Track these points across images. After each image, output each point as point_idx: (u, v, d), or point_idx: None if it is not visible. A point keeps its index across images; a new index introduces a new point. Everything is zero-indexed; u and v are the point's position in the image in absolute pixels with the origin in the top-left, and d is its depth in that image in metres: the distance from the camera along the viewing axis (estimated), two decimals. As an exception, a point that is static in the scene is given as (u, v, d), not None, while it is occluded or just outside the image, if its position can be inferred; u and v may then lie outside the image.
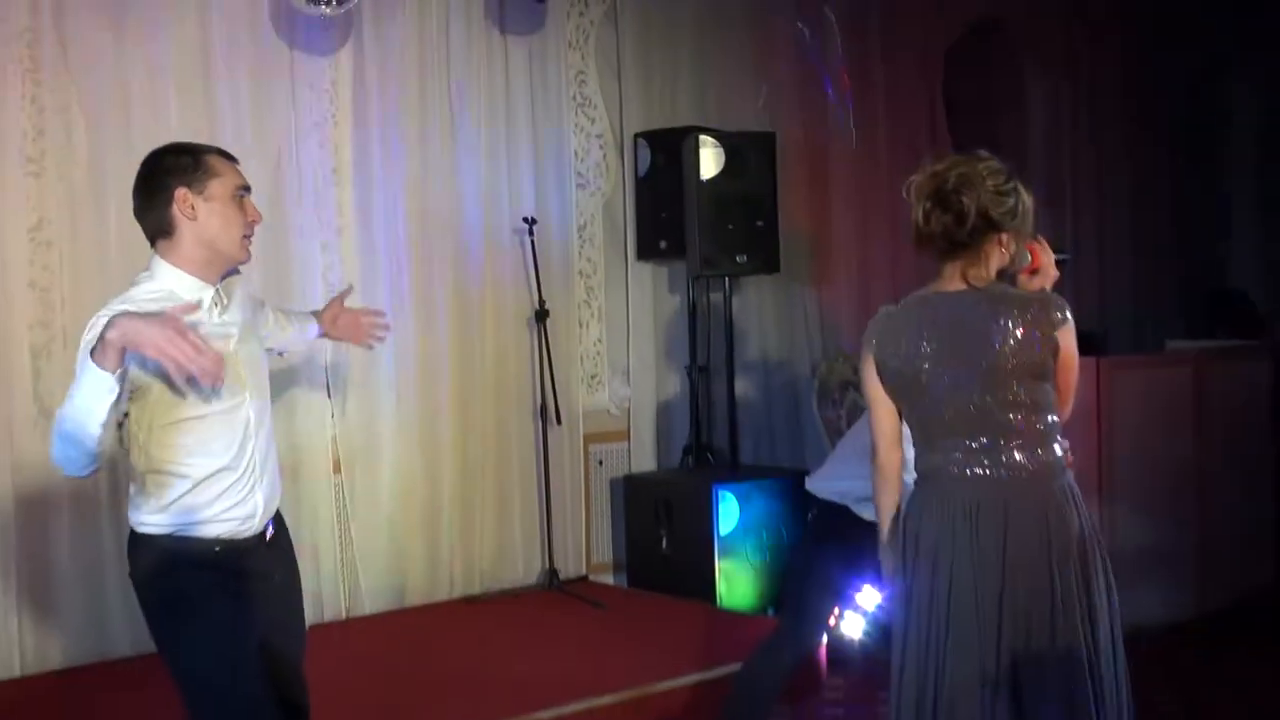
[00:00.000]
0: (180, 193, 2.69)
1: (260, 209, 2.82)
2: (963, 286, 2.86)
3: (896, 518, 2.98)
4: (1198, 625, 5.44)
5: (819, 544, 4.03)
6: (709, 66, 6.43)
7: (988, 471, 2.79)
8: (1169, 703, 4.62)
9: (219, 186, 2.73)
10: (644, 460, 6.25)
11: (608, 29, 6.13)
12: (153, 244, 2.74)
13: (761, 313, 6.65)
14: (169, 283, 2.69)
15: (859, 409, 6.38)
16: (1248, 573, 5.77)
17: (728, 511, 5.60)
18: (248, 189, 2.80)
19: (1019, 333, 2.78)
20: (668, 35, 6.30)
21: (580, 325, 6.09)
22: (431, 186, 5.58)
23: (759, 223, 6.02)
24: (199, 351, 2.40)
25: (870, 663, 5.02)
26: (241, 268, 2.88)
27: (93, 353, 2.40)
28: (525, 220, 5.67)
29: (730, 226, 5.93)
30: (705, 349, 6.29)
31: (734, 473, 5.99)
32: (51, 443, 2.56)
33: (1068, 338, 2.83)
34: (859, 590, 5.29)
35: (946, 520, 2.79)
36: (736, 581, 5.59)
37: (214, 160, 2.75)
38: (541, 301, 5.71)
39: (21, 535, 4.63)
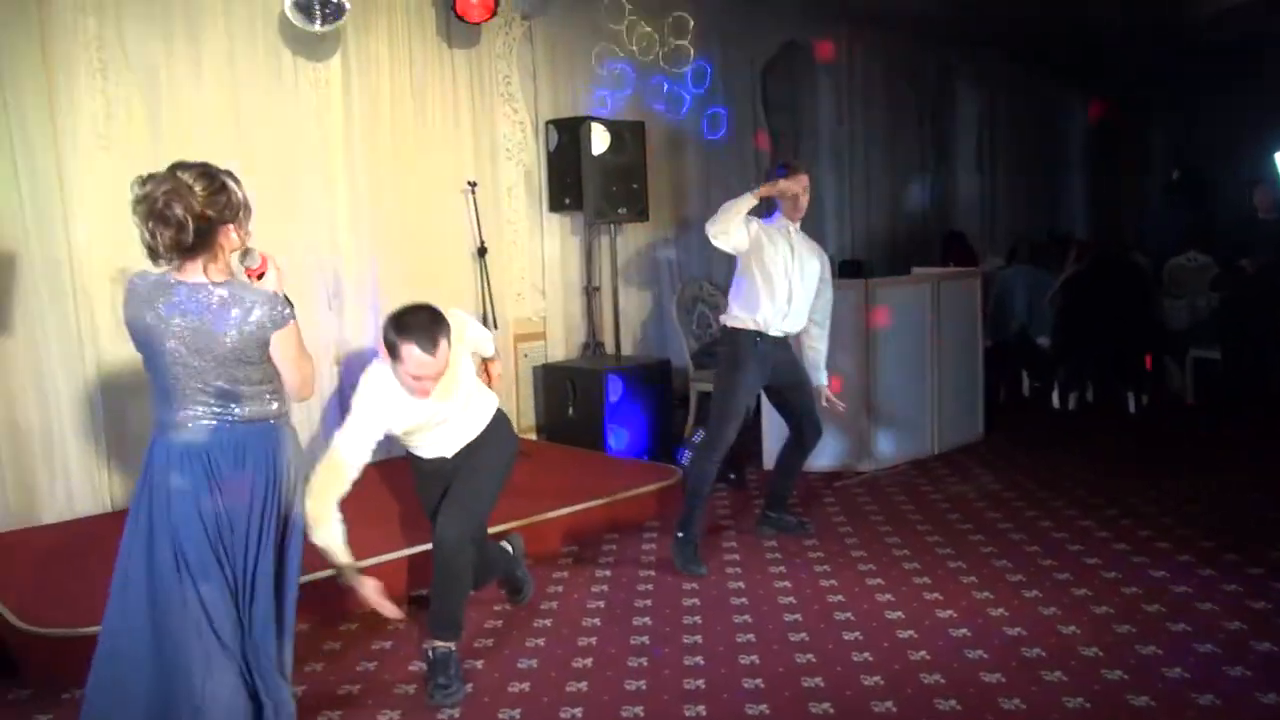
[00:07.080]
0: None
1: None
2: (204, 279, 2.31)
3: None
4: (932, 460, 5.72)
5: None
6: (598, 72, 6.36)
7: None
8: (915, 511, 4.89)
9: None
10: (556, 353, 6.21)
11: (526, 44, 6.02)
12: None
13: (636, 249, 6.67)
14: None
15: (704, 317, 6.57)
16: (965, 427, 6.05)
17: (614, 388, 5.67)
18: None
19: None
20: (568, 50, 6.22)
21: (509, 259, 6.02)
22: (400, 159, 5.46)
23: (634, 185, 6.03)
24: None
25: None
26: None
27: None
28: (469, 183, 5.62)
29: (614, 188, 5.93)
30: (597, 274, 6.32)
31: (618, 361, 6.03)
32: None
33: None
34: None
35: None
36: (619, 436, 5.69)
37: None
38: (482, 241, 5.66)
39: (106, 408, 4.55)
